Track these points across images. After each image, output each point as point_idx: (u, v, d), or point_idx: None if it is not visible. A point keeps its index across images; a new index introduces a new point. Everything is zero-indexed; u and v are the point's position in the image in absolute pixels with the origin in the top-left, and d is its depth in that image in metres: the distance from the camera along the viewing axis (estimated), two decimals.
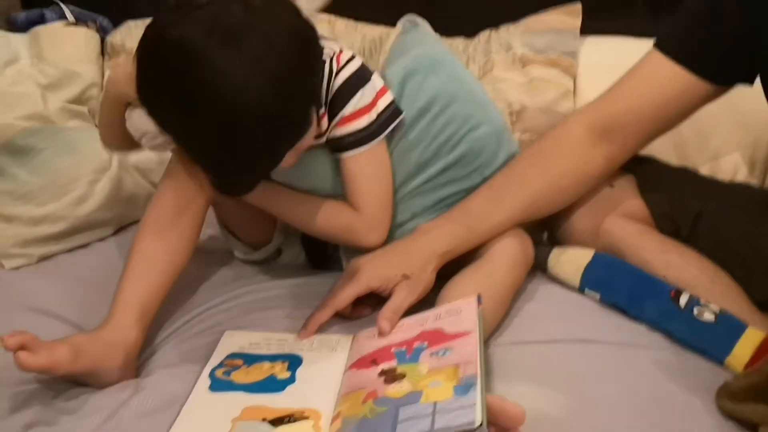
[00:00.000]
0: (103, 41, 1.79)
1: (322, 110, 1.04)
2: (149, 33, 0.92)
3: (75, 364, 0.93)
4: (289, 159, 0.99)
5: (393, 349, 0.94)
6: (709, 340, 1.01)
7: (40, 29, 1.77)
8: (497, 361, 0.97)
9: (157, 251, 1.07)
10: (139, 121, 1.03)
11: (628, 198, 1.19)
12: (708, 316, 1.02)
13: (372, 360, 0.93)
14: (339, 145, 1.08)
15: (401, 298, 1.02)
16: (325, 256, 1.24)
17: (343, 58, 1.06)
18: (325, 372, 0.95)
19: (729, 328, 1.01)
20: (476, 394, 0.79)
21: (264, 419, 0.87)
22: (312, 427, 0.86)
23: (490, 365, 0.96)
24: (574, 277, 1.14)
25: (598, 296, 1.11)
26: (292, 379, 0.93)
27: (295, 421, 0.87)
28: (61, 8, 1.83)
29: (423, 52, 1.18)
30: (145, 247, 1.07)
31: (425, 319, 0.99)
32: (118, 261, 1.18)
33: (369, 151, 1.08)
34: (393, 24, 1.29)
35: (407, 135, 1.12)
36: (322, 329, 1.03)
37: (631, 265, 1.11)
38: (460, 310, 0.97)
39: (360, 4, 1.71)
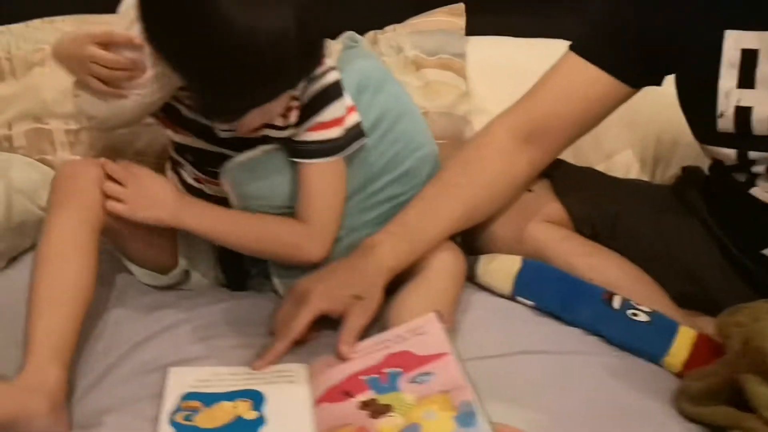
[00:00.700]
0: None
1: (296, 103, 1.01)
2: None
3: None
4: (254, 119, 0.96)
5: (362, 377, 0.91)
6: (645, 341, 1.05)
7: None
8: None
9: (61, 281, 0.98)
10: (86, 105, 1.02)
11: (547, 202, 1.21)
12: (643, 317, 1.06)
13: (343, 391, 0.89)
14: (303, 151, 1.05)
15: (355, 320, 0.99)
16: (242, 275, 1.19)
17: (327, 63, 1.04)
18: (293, 408, 0.89)
19: (663, 328, 1.05)
20: (484, 424, 0.77)
21: None
22: None
23: None
24: (505, 284, 1.15)
25: (531, 303, 1.13)
26: (260, 420, 0.87)
27: None
28: None
29: (370, 67, 1.17)
30: (46, 280, 0.98)
31: (385, 342, 0.96)
32: (17, 296, 1.03)
33: (331, 164, 1.06)
34: None
35: (359, 149, 1.10)
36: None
37: (561, 271, 1.14)
38: (423, 329, 0.95)
39: None
